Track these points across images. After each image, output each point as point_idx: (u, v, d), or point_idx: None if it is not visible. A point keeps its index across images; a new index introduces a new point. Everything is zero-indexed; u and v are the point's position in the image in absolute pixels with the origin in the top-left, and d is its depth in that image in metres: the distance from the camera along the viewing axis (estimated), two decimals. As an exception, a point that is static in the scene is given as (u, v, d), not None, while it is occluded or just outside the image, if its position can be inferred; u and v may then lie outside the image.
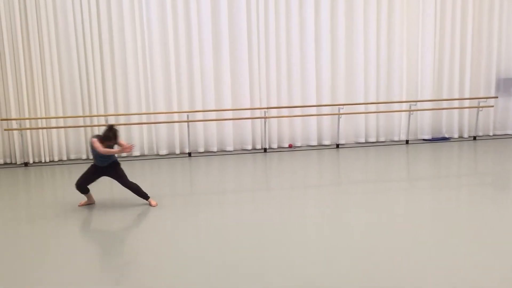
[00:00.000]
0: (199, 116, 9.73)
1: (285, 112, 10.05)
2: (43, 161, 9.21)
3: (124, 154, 9.57)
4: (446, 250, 4.08)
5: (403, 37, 10.35)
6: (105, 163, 5.74)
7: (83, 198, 6.09)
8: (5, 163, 9.20)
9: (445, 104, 10.70)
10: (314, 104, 10.08)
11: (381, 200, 5.82)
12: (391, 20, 10.31)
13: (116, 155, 5.74)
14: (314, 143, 10.30)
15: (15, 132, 8.99)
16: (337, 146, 10.11)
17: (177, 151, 9.77)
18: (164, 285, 3.57)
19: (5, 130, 8.90)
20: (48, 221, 5.32)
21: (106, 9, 9.15)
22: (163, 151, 9.73)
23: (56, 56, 9.06)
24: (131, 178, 7.63)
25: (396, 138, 10.70)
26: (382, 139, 10.68)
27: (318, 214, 5.33)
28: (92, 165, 5.85)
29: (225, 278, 3.67)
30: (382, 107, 10.51)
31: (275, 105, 9.96)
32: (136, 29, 9.29)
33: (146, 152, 9.72)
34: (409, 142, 10.41)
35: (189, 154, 9.59)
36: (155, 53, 9.45)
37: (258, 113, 9.98)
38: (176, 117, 9.69)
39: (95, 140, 5.43)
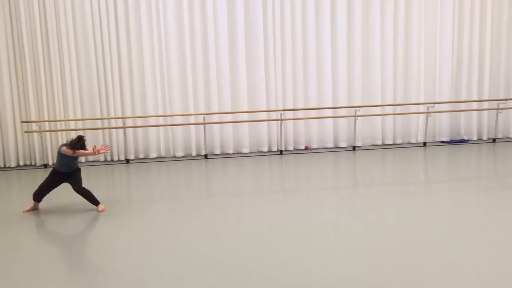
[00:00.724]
0: (215, 118, 9.77)
1: (301, 114, 10.03)
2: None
3: (142, 156, 9.65)
4: (465, 253, 4.03)
5: (420, 38, 10.25)
6: (70, 169, 5.86)
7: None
8: (25, 165, 9.35)
9: (463, 105, 10.56)
10: (330, 106, 10.04)
11: (398, 203, 5.77)
12: (408, 21, 10.22)
13: (78, 162, 5.98)
14: (330, 145, 10.26)
15: (35, 134, 9.13)
16: (354, 148, 10.05)
17: (194, 153, 9.82)
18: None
19: (25, 132, 9.05)
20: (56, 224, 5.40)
21: (124, 13, 9.25)
22: (180, 153, 9.79)
23: (75, 60, 9.19)
24: (148, 180, 7.71)
25: (413, 140, 10.59)
26: (399, 141, 10.58)
27: (335, 217, 5.30)
28: (53, 171, 5.89)
29: (239, 279, 3.68)
30: (399, 109, 10.42)
31: (291, 107, 9.95)
32: (153, 33, 9.37)
33: (162, 154, 9.79)
34: (427, 144, 10.30)
35: (205, 156, 9.63)
36: (171, 55, 9.52)
37: (274, 115, 9.97)
38: (192, 119, 9.74)
39: (64, 148, 5.64)
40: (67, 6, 9.02)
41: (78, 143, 5.60)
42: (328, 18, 9.83)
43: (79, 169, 5.99)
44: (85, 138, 5.72)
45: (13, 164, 9.23)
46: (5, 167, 9.25)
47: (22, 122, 9.05)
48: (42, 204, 6.09)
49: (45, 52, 9.09)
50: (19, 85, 9.10)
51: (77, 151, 5.59)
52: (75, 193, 5.88)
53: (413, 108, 10.41)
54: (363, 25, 10.05)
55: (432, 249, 4.16)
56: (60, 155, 5.71)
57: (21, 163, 9.32)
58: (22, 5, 8.83)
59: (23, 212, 5.87)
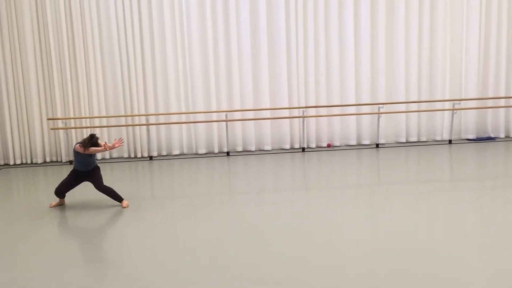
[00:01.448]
0: (238, 115, 9.78)
1: (323, 111, 9.96)
2: (87, 159, 9.48)
3: (164, 153, 9.75)
4: (491, 253, 3.94)
5: (446, 33, 10.05)
6: (87, 168, 5.92)
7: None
8: (51, 161, 9.54)
9: (490, 102, 10.32)
10: (353, 103, 9.94)
11: (423, 201, 5.68)
12: (433, 15, 10.02)
13: (96, 160, 6.06)
14: (353, 142, 10.16)
15: (61, 131, 9.30)
16: (377, 145, 9.94)
17: (216, 150, 9.86)
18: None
19: (51, 129, 9.23)
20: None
21: (147, 12, 9.34)
22: (202, 150, 9.84)
23: (100, 58, 9.32)
24: (171, 176, 7.78)
25: (438, 138, 10.41)
26: (423, 138, 10.41)
27: (357, 215, 5.25)
28: (72, 171, 5.98)
29: (259, 277, 3.67)
30: (424, 106, 10.25)
31: (314, 104, 9.89)
32: (176, 31, 9.43)
33: (185, 151, 9.86)
34: (452, 142, 10.10)
35: (228, 153, 9.66)
36: (194, 53, 9.57)
37: (296, 112, 9.93)
38: (214, 116, 9.78)
39: (77, 145, 5.73)
40: (92, 5, 9.15)
41: (90, 142, 5.69)
42: (351, 14, 9.73)
43: (98, 168, 6.06)
44: (97, 137, 5.81)
45: (39, 161, 9.42)
46: (32, 163, 9.46)
47: (48, 119, 9.24)
48: (67, 200, 6.20)
49: (71, 51, 9.25)
50: (46, 83, 9.29)
51: (88, 149, 5.67)
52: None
53: (438, 105, 10.22)
54: (387, 20, 9.91)
55: (456, 249, 4.08)
56: (75, 153, 5.82)
57: (48, 160, 9.51)
58: (48, 4, 9.00)
59: (50, 207, 5.99)
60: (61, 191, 5.95)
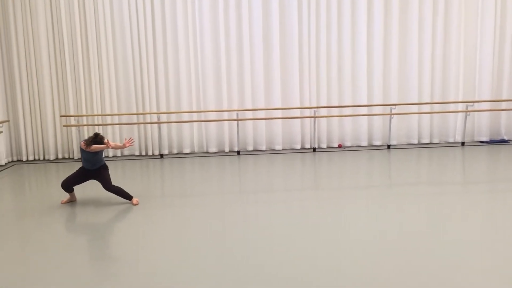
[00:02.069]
0: (249, 114, 9.78)
1: (335, 111, 9.91)
2: (98, 156, 9.55)
3: (175, 151, 9.78)
4: (502, 256, 3.89)
5: (460, 33, 9.94)
6: (93, 166, 5.95)
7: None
8: (63, 158, 9.62)
9: (504, 104, 10.19)
10: (365, 103, 9.89)
11: (434, 203, 5.63)
12: (447, 15, 9.91)
13: (105, 159, 6.10)
14: (365, 143, 10.10)
15: (73, 128, 9.38)
16: (388, 147, 9.87)
17: (226, 149, 9.87)
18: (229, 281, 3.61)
19: (64, 126, 9.31)
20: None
21: (160, 11, 9.37)
22: (213, 149, 9.86)
23: (112, 57, 9.38)
24: (181, 175, 7.80)
25: (451, 140, 10.30)
26: (436, 140, 10.32)
27: (368, 216, 5.22)
28: (80, 167, 6.04)
29: (268, 276, 3.67)
30: (436, 107, 10.15)
31: (325, 105, 9.85)
32: (189, 30, 9.45)
33: (196, 150, 9.88)
34: (465, 144, 10.00)
35: (238, 152, 9.66)
36: (206, 52, 9.58)
37: (307, 112, 9.90)
38: (225, 115, 9.78)
39: (82, 143, 5.79)
40: (106, 4, 9.20)
41: (93, 140, 5.74)
42: (364, 14, 9.67)
43: (106, 167, 6.08)
44: (102, 136, 5.83)
45: (52, 157, 9.51)
46: (44, 159, 9.55)
47: (61, 116, 9.32)
48: (78, 196, 6.25)
49: (84, 49, 9.32)
50: (59, 81, 9.37)
51: (90, 147, 5.71)
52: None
53: (451, 107, 10.12)
54: (400, 20, 9.83)
55: (467, 252, 4.04)
56: (81, 150, 5.87)
57: (60, 156, 9.60)
58: (62, 4, 9.07)
59: (61, 203, 6.04)
60: (67, 186, 5.98)
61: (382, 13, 9.71)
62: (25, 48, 9.19)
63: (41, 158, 9.55)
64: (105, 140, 5.78)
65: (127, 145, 5.81)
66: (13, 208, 6.04)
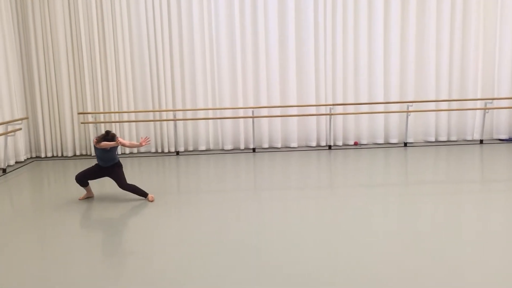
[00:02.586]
0: (264, 112, 9.78)
1: (351, 109, 9.85)
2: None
3: (191, 148, 9.83)
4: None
5: (479, 29, 9.78)
6: (106, 163, 5.99)
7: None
8: (81, 154, 9.74)
9: (524, 102, 10.01)
10: (382, 101, 9.80)
11: (451, 202, 5.57)
12: (466, 11, 9.75)
13: (118, 156, 6.14)
14: (381, 141, 10.02)
15: (91, 125, 9.49)
16: (405, 144, 9.77)
17: (242, 146, 9.88)
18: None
19: (81, 123, 9.42)
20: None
21: (176, 9, 9.41)
22: (228, 146, 9.88)
23: (129, 55, 9.46)
24: (197, 172, 7.84)
25: (469, 138, 10.16)
26: (453, 138, 10.19)
27: (383, 214, 5.19)
28: (96, 163, 6.10)
29: (282, 275, 3.67)
30: (454, 105, 10.02)
31: (341, 102, 9.79)
32: (205, 27, 9.48)
33: (211, 147, 9.92)
34: (484, 142, 9.85)
35: (254, 149, 9.67)
36: (222, 49, 9.60)
37: (323, 110, 9.86)
38: (241, 112, 9.79)
39: (94, 140, 5.86)
40: (123, 4, 9.28)
41: (104, 138, 5.82)
42: (381, 10, 9.58)
43: (120, 165, 6.10)
44: (113, 134, 5.88)
45: (70, 154, 9.64)
46: (62, 156, 9.68)
47: (79, 113, 9.43)
48: (96, 192, 6.32)
49: (101, 47, 9.41)
50: (77, 79, 9.48)
51: (99, 143, 5.77)
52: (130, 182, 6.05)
53: (469, 104, 9.98)
54: (418, 16, 9.71)
55: (484, 252, 3.99)
56: (94, 147, 5.95)
57: (77, 153, 9.72)
58: (80, 3, 9.17)
59: (79, 199, 6.12)
60: (80, 179, 6.04)
61: (399, 8, 9.61)
62: (43, 47, 9.31)
63: (59, 154, 9.68)
64: (117, 138, 5.82)
65: (143, 144, 5.84)
66: (31, 203, 6.14)
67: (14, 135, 8.46)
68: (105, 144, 5.78)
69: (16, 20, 9.17)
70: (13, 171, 8.24)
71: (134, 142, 6.55)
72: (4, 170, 8.12)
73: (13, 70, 8.88)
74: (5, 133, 7.97)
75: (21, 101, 9.27)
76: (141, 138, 5.97)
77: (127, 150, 9.72)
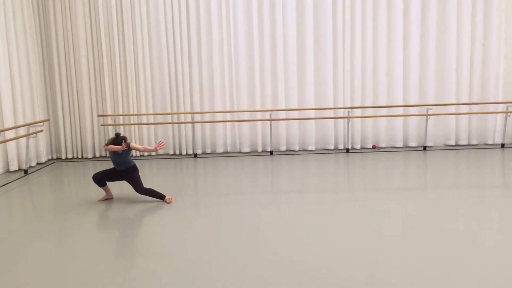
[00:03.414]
0: (282, 114, 9.77)
1: (369, 112, 9.78)
2: (134, 155, 9.75)
3: (209, 150, 9.87)
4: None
5: (501, 30, 9.61)
6: (119, 167, 6.02)
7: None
8: (101, 156, 9.85)
9: (548, 105, 9.81)
10: (401, 104, 9.71)
11: (472, 207, 5.48)
12: (487, 11, 9.59)
13: (133, 160, 6.13)
14: (400, 144, 9.92)
15: (110, 127, 9.59)
16: (424, 148, 9.66)
17: (259, 149, 9.89)
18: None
19: (101, 125, 9.54)
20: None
21: (195, 13, 9.47)
22: (246, 149, 9.89)
23: (148, 58, 9.55)
24: (215, 174, 7.86)
25: (490, 142, 9.99)
26: (474, 142, 10.03)
27: (402, 219, 5.13)
28: (113, 166, 6.14)
29: (302, 279, 3.65)
30: (475, 108, 9.87)
31: (359, 105, 9.73)
32: (223, 30, 9.52)
33: (229, 149, 9.94)
34: (505, 146, 9.67)
35: (271, 152, 9.66)
36: (240, 52, 9.63)
37: (341, 113, 9.81)
38: (259, 115, 9.80)
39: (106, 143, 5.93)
40: (143, 8, 9.38)
41: (113, 140, 5.87)
42: (400, 11, 9.49)
43: (135, 169, 6.09)
44: (123, 137, 5.92)
45: (89, 155, 9.77)
46: (82, 158, 9.81)
47: (98, 116, 9.56)
48: (115, 194, 6.39)
49: (121, 51, 9.52)
50: (97, 82, 9.61)
51: (106, 146, 5.83)
52: (147, 184, 6.09)
53: (491, 108, 9.82)
54: (438, 17, 9.58)
55: (506, 259, 3.91)
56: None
57: (97, 155, 9.84)
58: (100, 7, 9.30)
59: (98, 201, 6.19)
60: (98, 179, 6.10)
61: (419, 9, 9.52)
62: (64, 50, 9.47)
63: (79, 156, 9.82)
64: (123, 142, 5.82)
65: (158, 148, 5.86)
66: (52, 203, 6.23)
67: (35, 136, 8.61)
68: (111, 147, 5.82)
69: (38, 24, 9.35)
70: (34, 172, 8.39)
71: (147, 146, 6.59)
72: (25, 171, 8.26)
73: (35, 73, 9.05)
74: (27, 135, 8.12)
75: (42, 103, 9.44)
76: (156, 142, 5.99)
77: (145, 153, 9.81)
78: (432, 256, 3.95)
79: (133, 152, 9.63)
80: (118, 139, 5.88)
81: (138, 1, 9.37)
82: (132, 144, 5.96)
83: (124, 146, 5.77)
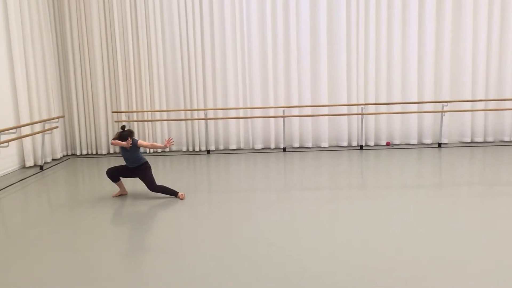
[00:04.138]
0: (295, 111, 9.74)
1: (383, 108, 9.70)
2: (147, 152, 9.81)
3: (222, 147, 9.89)
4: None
5: (518, 29, 9.48)
6: (132, 164, 6.03)
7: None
8: (115, 153, 9.93)
9: None
10: (415, 100, 9.61)
11: (487, 205, 5.41)
12: (504, 8, 9.45)
13: (145, 158, 6.13)
14: (414, 141, 9.83)
15: (124, 123, 9.65)
16: (439, 145, 9.55)
17: (272, 146, 9.87)
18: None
19: (115, 121, 9.61)
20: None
21: (208, 9, 9.48)
22: (259, 145, 9.89)
23: (162, 55, 9.59)
24: (227, 171, 7.87)
25: (506, 139, 9.85)
26: (490, 139, 9.89)
27: (416, 217, 5.08)
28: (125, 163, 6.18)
29: (315, 276, 3.64)
30: (491, 105, 9.73)
31: (373, 101, 9.66)
32: (236, 28, 9.52)
33: (242, 146, 9.95)
34: (522, 143, 9.54)
35: (284, 149, 9.64)
36: (253, 49, 9.62)
37: (355, 109, 9.74)
38: (272, 112, 9.79)
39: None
40: (156, 5, 9.42)
41: (120, 134, 5.92)
42: (416, 6, 9.39)
43: (146, 167, 6.08)
44: (129, 130, 5.96)
45: (104, 152, 9.85)
46: (97, 154, 9.90)
47: (112, 112, 9.63)
48: (129, 190, 6.43)
49: (135, 48, 9.58)
50: (111, 79, 9.68)
51: (113, 141, 5.89)
52: (161, 180, 6.11)
53: (507, 104, 9.67)
54: (454, 13, 9.47)
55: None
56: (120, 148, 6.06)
57: (111, 151, 9.92)
58: (115, 6, 9.36)
59: (112, 196, 6.24)
60: (111, 174, 6.14)
61: (435, 4, 9.40)
62: (79, 48, 9.55)
63: (94, 152, 9.90)
64: (128, 139, 5.85)
65: (168, 145, 5.86)
66: (66, 199, 6.30)
67: (51, 133, 8.71)
68: (117, 142, 5.87)
69: (54, 23, 9.45)
70: (49, 168, 8.49)
71: (156, 143, 6.61)
72: (41, 167, 8.36)
73: (51, 71, 9.14)
74: (43, 131, 8.21)
75: (57, 100, 9.54)
76: (165, 140, 6.00)
77: (159, 149, 9.85)
78: (446, 255, 3.91)
79: (146, 149, 9.69)
80: (124, 133, 5.91)
81: (152, 0, 9.42)
82: (140, 142, 5.97)
83: (130, 143, 5.80)
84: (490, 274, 3.52)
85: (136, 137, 9.37)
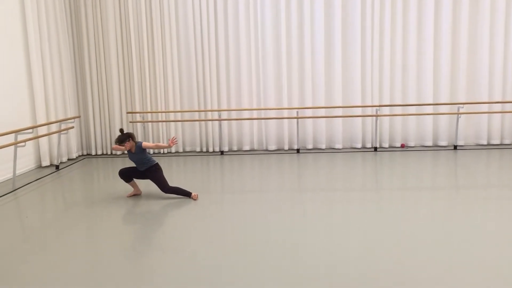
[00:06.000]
0: (309, 112, 9.71)
1: (398, 110, 9.62)
2: (161, 152, 9.87)
3: (235, 148, 9.90)
4: None
5: (536, 29, 9.33)
6: (141, 167, 6.06)
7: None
8: (129, 153, 10.00)
9: None
10: (431, 102, 9.51)
11: (503, 209, 5.33)
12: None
13: (155, 160, 6.14)
14: (429, 143, 9.73)
15: (139, 124, 9.74)
16: (455, 147, 9.45)
17: (286, 147, 9.86)
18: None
19: (130, 122, 9.69)
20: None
21: (222, 11, 9.52)
22: (272, 147, 9.88)
23: (176, 56, 9.65)
24: (241, 171, 7.87)
25: (524, 141, 9.71)
26: (507, 141, 9.76)
27: (432, 220, 5.03)
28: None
29: (328, 277, 3.63)
30: (508, 106, 9.59)
31: (388, 103, 9.58)
32: (250, 29, 9.53)
33: (255, 147, 9.95)
34: (540, 146, 9.38)
35: (298, 150, 9.62)
36: (267, 50, 9.62)
37: (369, 111, 9.68)
38: (285, 113, 9.77)
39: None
40: (171, 7, 9.48)
41: (118, 138, 5.93)
42: (432, 7, 9.30)
43: (157, 169, 6.09)
44: (127, 133, 5.96)
45: (119, 152, 9.93)
46: (112, 154, 9.99)
47: (127, 112, 9.71)
48: (142, 190, 6.48)
49: (150, 49, 9.65)
50: (126, 80, 9.77)
51: (113, 146, 5.93)
52: (174, 180, 6.14)
53: (525, 106, 9.53)
54: (470, 13, 9.37)
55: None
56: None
57: (125, 151, 9.97)
58: (131, 8, 9.45)
59: (126, 196, 6.29)
60: (123, 174, 6.18)
61: (451, 5, 9.30)
62: (95, 49, 9.66)
63: (109, 152, 10.00)
64: (126, 142, 5.89)
65: (172, 144, 5.83)
66: (82, 198, 6.36)
67: (67, 133, 8.81)
68: (115, 147, 5.98)
69: (70, 24, 9.56)
70: (65, 168, 8.58)
71: (159, 143, 6.62)
72: (57, 167, 8.46)
73: (67, 72, 9.25)
74: (59, 131, 8.31)
75: (73, 100, 9.65)
76: (169, 139, 6.01)
77: (173, 149, 9.90)
78: (461, 258, 3.86)
79: (160, 150, 9.75)
80: (122, 136, 5.93)
81: (167, 1, 9.46)
82: (144, 143, 5.98)
83: (127, 146, 5.86)
84: (508, 277, 3.47)
85: (140, 139, 9.49)
